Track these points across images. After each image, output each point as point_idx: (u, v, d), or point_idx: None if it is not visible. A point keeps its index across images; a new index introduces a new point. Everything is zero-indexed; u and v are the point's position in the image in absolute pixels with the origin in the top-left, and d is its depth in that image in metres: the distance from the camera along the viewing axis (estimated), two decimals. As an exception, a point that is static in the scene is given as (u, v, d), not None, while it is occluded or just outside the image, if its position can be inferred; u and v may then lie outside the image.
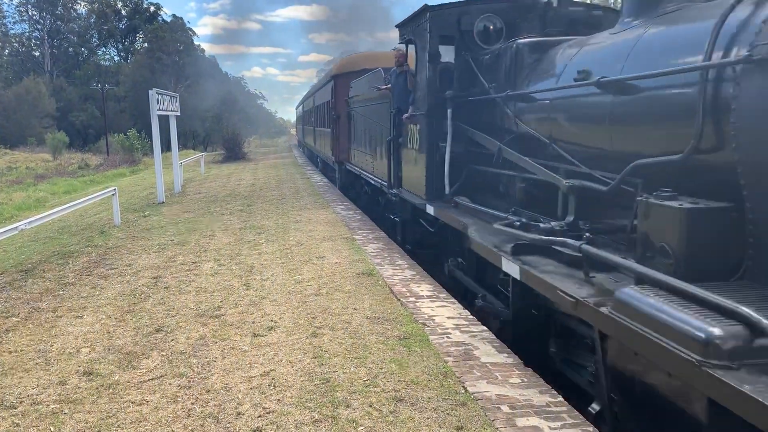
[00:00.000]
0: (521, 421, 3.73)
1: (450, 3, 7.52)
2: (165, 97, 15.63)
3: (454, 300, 6.35)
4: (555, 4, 6.80)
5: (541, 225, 4.94)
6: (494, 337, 5.27)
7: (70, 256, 9.03)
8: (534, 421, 3.73)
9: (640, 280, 3.43)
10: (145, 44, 62.70)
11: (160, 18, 65.49)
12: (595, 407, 3.89)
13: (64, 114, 56.45)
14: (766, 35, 3.17)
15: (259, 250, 8.95)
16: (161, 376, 4.55)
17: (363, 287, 6.79)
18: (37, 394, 4.32)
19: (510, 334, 5.28)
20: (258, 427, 3.75)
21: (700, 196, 3.58)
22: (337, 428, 3.71)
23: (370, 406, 3.98)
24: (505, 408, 3.91)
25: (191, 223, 11.65)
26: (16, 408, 4.12)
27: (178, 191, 17.28)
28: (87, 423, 3.88)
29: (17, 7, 66.74)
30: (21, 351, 5.19)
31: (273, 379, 4.45)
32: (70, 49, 67.12)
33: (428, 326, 5.48)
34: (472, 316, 5.82)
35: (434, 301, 6.27)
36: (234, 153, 33.70)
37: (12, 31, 66.64)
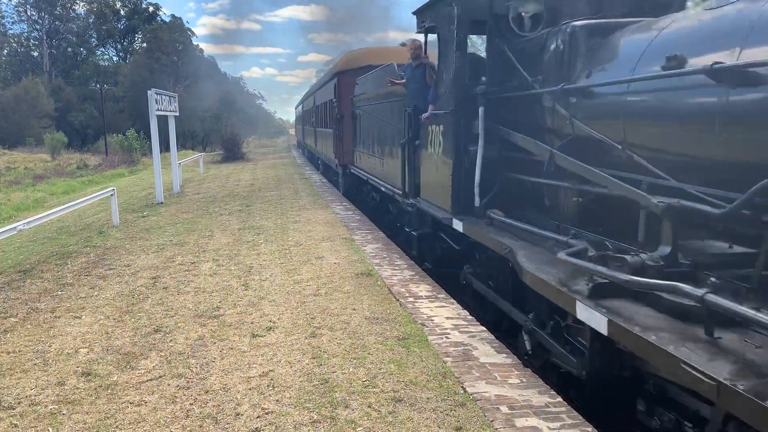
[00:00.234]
0: (520, 422, 3.73)
1: None
2: (164, 97, 15.62)
3: (452, 300, 6.35)
4: None
5: (629, 258, 3.72)
6: (493, 337, 5.27)
7: (68, 256, 9.02)
8: (533, 421, 3.73)
9: None
10: (144, 44, 62.70)
11: (159, 18, 65.52)
12: None
13: (63, 114, 56.40)
14: None
15: (258, 250, 8.94)
16: (160, 377, 4.55)
17: (362, 287, 6.79)
18: (35, 395, 4.32)
19: (563, 377, 4.49)
20: (257, 428, 3.74)
21: None
22: (336, 429, 3.70)
23: (369, 406, 3.97)
24: (504, 408, 3.91)
25: (190, 223, 11.64)
26: (14, 409, 4.11)
27: (176, 191, 17.27)
28: (85, 424, 3.87)
29: (16, 7, 66.80)
30: (19, 351, 5.18)
31: (272, 379, 4.44)
32: (69, 50, 67.08)
33: (427, 326, 5.48)
34: (471, 317, 5.82)
35: (433, 302, 6.27)
36: (233, 153, 33.69)
37: (11, 31, 66.67)
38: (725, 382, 2.58)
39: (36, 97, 53.97)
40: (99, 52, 69.34)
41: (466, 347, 4.99)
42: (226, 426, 3.78)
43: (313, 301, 6.31)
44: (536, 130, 5.55)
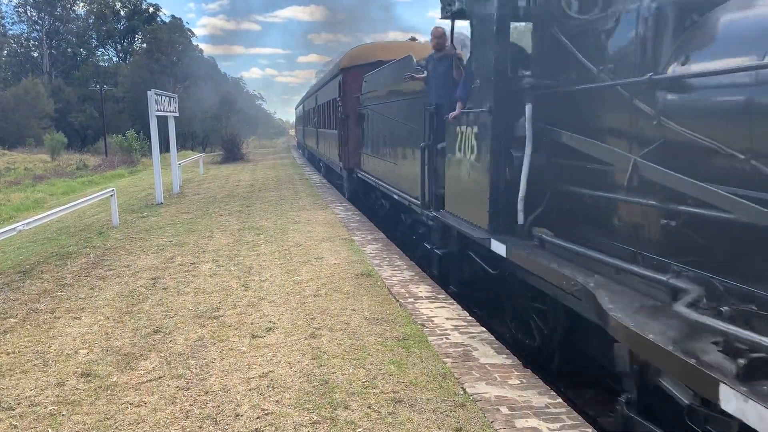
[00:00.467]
0: (520, 423, 3.73)
1: None
2: (164, 97, 15.62)
3: (452, 301, 6.35)
4: None
5: None
6: (493, 338, 5.26)
7: (68, 257, 9.02)
8: (533, 422, 3.73)
9: None
10: (144, 45, 62.71)
11: (158, 19, 65.53)
12: None
13: (63, 115, 56.40)
14: None
15: (258, 251, 8.94)
16: (159, 378, 4.54)
17: (362, 288, 6.79)
18: (35, 396, 4.31)
19: None
20: (256, 429, 3.74)
21: None
22: (335, 430, 3.70)
23: (369, 407, 3.97)
24: (504, 409, 3.90)
25: (190, 223, 11.64)
26: (14, 409, 4.11)
27: (176, 192, 17.27)
28: (85, 424, 3.87)
29: (16, 7, 66.75)
30: (19, 352, 5.18)
31: (272, 380, 4.44)
32: (69, 50, 67.07)
33: (427, 327, 5.48)
34: (471, 317, 5.82)
35: (433, 302, 6.26)
36: (233, 154, 33.68)
37: (10, 32, 66.61)
38: None
39: (36, 98, 53.97)
40: (99, 53, 69.37)
41: (466, 348, 4.98)
42: (226, 427, 3.78)
43: (313, 302, 6.31)
44: (604, 133, 4.43)
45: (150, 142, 16.55)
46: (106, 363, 4.87)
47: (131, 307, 6.35)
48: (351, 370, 4.56)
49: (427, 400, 4.05)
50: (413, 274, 7.48)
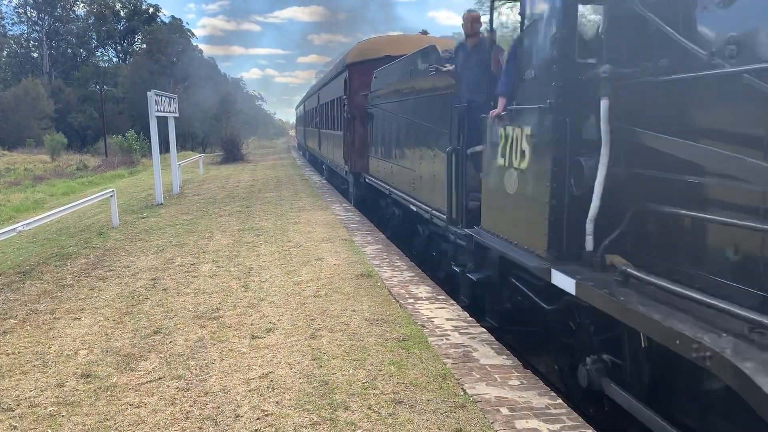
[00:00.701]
0: (520, 423, 3.72)
1: None
2: (163, 98, 15.63)
3: (452, 302, 6.35)
4: None
5: None
6: (493, 339, 5.26)
7: (68, 257, 9.02)
8: (533, 423, 3.73)
9: None
10: (144, 45, 62.72)
11: (158, 19, 65.56)
12: None
13: (63, 115, 56.41)
14: None
15: (258, 251, 8.94)
16: (159, 378, 4.54)
17: (362, 289, 6.78)
18: (34, 397, 4.31)
19: None
20: (256, 430, 3.73)
21: None
22: (335, 430, 3.70)
23: (369, 408, 3.97)
24: (504, 410, 3.90)
25: (190, 224, 11.64)
26: (13, 410, 4.11)
27: (176, 192, 17.27)
28: (85, 425, 3.86)
29: (16, 8, 66.85)
30: (19, 353, 5.18)
31: (271, 381, 4.43)
32: (69, 51, 67.09)
33: (427, 328, 5.48)
34: (471, 318, 5.82)
35: (433, 303, 6.26)
36: (232, 154, 33.68)
37: (10, 32, 66.67)
38: None
39: (36, 98, 53.99)
40: (99, 54, 69.45)
41: (466, 348, 4.98)
42: (226, 428, 3.78)
43: (313, 303, 6.31)
44: (720, 136, 3.42)
45: (150, 142, 16.55)
46: (105, 364, 4.86)
47: (131, 308, 6.34)
48: (351, 371, 4.56)
49: (427, 400, 4.05)
50: (413, 274, 7.48)
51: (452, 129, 6.49)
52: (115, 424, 3.87)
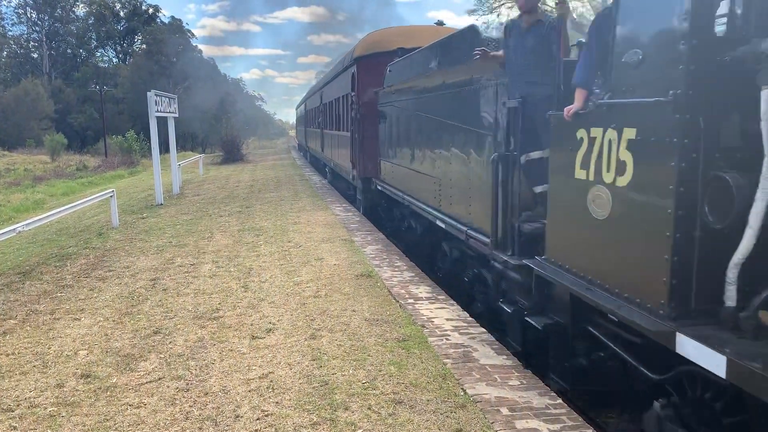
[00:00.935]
0: (520, 423, 3.72)
1: None
2: (163, 98, 15.63)
3: (453, 302, 6.34)
4: None
5: None
6: (493, 339, 5.26)
7: (68, 258, 9.01)
8: (533, 423, 3.73)
9: None
10: (144, 46, 62.74)
11: (158, 20, 65.58)
12: None
13: (63, 116, 56.42)
14: None
15: (258, 251, 8.94)
16: (159, 379, 4.54)
17: (362, 289, 6.78)
18: (34, 397, 4.31)
19: None
20: (256, 430, 3.73)
21: None
22: (335, 431, 3.70)
23: (369, 408, 3.96)
24: (504, 410, 3.90)
25: (189, 224, 11.64)
26: (13, 411, 4.10)
27: (176, 193, 17.27)
28: (85, 426, 3.86)
29: (16, 8, 66.88)
30: (18, 353, 5.18)
31: (271, 381, 4.43)
32: (69, 51, 67.10)
33: (427, 328, 5.47)
34: (471, 318, 5.82)
35: (433, 303, 6.26)
36: (232, 154, 33.67)
37: (10, 33, 66.68)
38: None
39: (36, 99, 53.98)
40: (99, 54, 69.44)
41: (466, 349, 4.98)
42: (226, 428, 3.78)
43: (313, 303, 6.30)
44: None
45: (150, 142, 16.55)
46: (105, 364, 4.86)
47: (131, 308, 6.34)
48: (351, 371, 4.56)
49: (428, 401, 4.05)
50: (413, 274, 7.48)
51: (499, 130, 5.36)
52: (114, 424, 3.87)
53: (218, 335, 5.44)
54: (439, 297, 6.50)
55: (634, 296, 3.46)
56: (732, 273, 2.98)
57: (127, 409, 4.08)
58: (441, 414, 3.86)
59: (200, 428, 3.78)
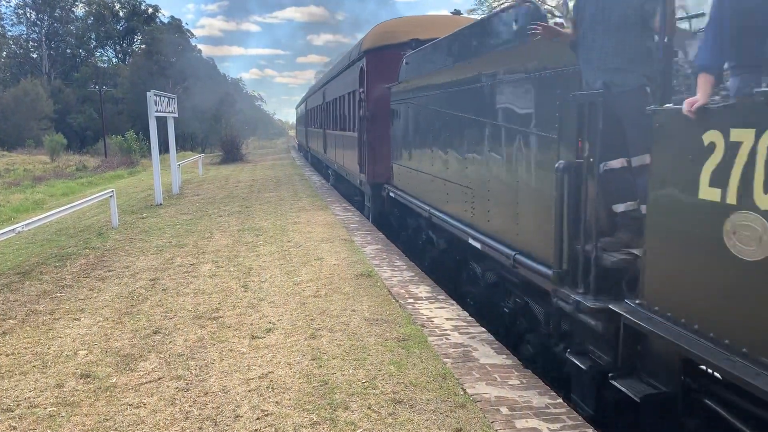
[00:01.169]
0: (520, 423, 3.72)
1: None
2: (163, 98, 15.62)
3: (452, 302, 6.34)
4: None
5: None
6: (493, 338, 5.26)
7: (67, 258, 9.01)
8: (533, 422, 3.73)
9: None
10: (143, 46, 62.73)
11: (158, 19, 65.57)
12: None
13: (62, 116, 56.39)
14: None
15: (258, 251, 8.94)
16: (159, 379, 4.54)
17: (361, 289, 6.78)
18: (34, 397, 4.31)
19: None
20: (256, 430, 3.73)
21: None
22: (335, 430, 3.69)
23: (369, 408, 3.96)
24: (504, 410, 3.90)
25: (189, 224, 11.63)
26: (13, 411, 4.10)
27: (176, 193, 17.27)
28: (84, 426, 3.86)
29: (15, 9, 66.90)
30: (18, 354, 5.17)
31: (271, 381, 4.43)
32: (68, 51, 67.06)
33: (427, 328, 5.47)
34: (471, 318, 5.82)
35: (433, 303, 6.26)
36: (232, 154, 33.67)
37: (10, 33, 66.64)
38: None
39: (35, 99, 53.95)
40: (98, 54, 69.43)
41: (466, 348, 4.98)
42: (226, 428, 3.77)
43: (313, 303, 6.30)
44: None
45: (149, 143, 16.55)
46: (105, 364, 4.86)
47: (131, 308, 6.34)
48: (351, 371, 4.56)
49: (427, 400, 4.05)
50: (413, 274, 7.48)
51: (566, 131, 4.22)
52: (114, 424, 3.87)
53: (218, 335, 5.44)
54: (439, 297, 6.50)
55: None
56: None
57: (126, 409, 4.08)
58: (441, 413, 3.86)
59: (200, 428, 3.78)
